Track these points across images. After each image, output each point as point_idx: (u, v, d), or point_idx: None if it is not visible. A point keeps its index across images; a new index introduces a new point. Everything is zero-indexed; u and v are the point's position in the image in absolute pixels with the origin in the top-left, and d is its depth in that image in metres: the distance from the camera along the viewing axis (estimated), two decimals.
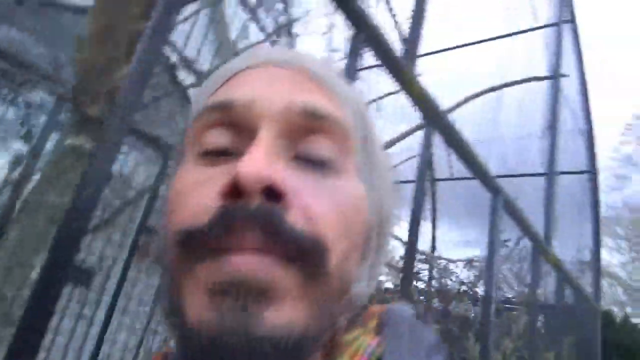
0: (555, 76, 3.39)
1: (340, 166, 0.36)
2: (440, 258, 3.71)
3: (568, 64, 3.88)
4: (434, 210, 4.66)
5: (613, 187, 20.84)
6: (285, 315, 0.30)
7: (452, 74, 2.43)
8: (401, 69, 1.46)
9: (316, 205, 0.33)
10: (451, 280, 3.73)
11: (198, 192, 0.33)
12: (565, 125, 3.74)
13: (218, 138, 0.35)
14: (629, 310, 19.13)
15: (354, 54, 1.27)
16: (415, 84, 1.51)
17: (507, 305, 3.39)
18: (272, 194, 0.31)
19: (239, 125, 0.35)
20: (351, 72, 1.23)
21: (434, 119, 1.68)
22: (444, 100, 2.48)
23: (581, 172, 4.22)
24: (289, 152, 0.35)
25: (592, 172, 4.33)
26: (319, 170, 0.35)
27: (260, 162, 0.31)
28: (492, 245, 2.12)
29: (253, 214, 0.30)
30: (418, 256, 3.42)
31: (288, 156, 0.35)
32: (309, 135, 0.35)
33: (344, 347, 0.36)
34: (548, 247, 2.88)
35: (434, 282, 3.69)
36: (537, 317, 3.18)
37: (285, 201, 0.32)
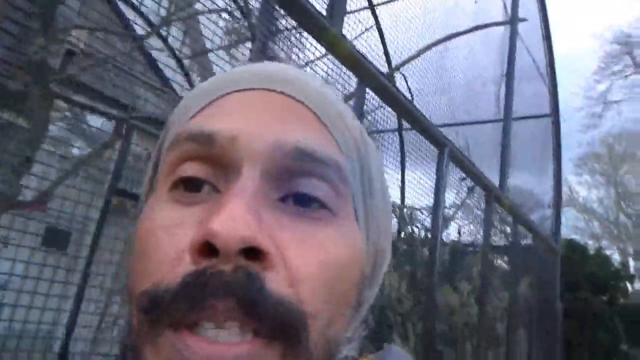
0: (512, 21, 3.35)
1: (336, 211, 0.32)
2: (405, 207, 3.76)
3: (528, 8, 3.83)
4: (402, 159, 4.68)
5: (588, 125, 21.13)
6: None
7: (402, 26, 2.39)
8: (324, 29, 1.43)
9: (301, 264, 0.29)
10: (417, 227, 3.81)
11: (164, 244, 0.30)
12: (525, 71, 3.74)
13: (195, 172, 0.31)
14: (604, 242, 19.89)
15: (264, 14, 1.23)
16: (342, 44, 1.49)
17: (469, 249, 3.50)
18: (252, 253, 0.28)
19: (220, 162, 0.31)
20: (261, 40, 1.21)
21: (367, 79, 1.67)
22: (397, 54, 2.46)
23: (542, 116, 4.27)
24: (276, 193, 0.31)
25: (552, 115, 4.38)
26: (309, 214, 0.31)
27: (240, 218, 0.27)
28: (438, 195, 2.17)
29: (229, 281, 0.27)
30: None
31: (274, 198, 0.31)
32: (301, 176, 0.31)
33: None
34: (503, 192, 2.96)
35: (402, 230, 3.77)
36: (492, 260, 3.31)
37: (268, 262, 0.28)
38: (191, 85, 2.24)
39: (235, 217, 0.27)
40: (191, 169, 0.31)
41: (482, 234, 2.88)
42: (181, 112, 0.35)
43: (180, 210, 0.31)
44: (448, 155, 2.23)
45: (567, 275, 10.98)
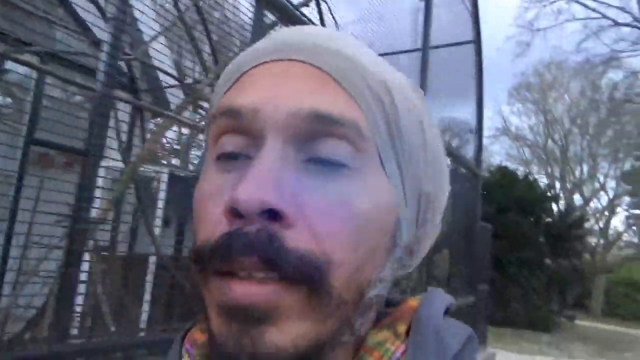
0: None
1: (357, 167, 0.35)
2: None
3: None
4: None
5: (517, 54, 21.71)
6: (289, 335, 0.32)
7: None
8: None
9: (323, 219, 0.33)
10: None
11: (210, 207, 0.35)
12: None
13: (230, 143, 0.36)
14: (534, 168, 21.12)
15: None
16: None
17: None
18: (272, 214, 0.31)
19: (248, 132, 0.35)
20: None
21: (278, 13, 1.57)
22: None
23: (464, 43, 4.30)
24: (301, 156, 0.34)
25: (474, 42, 4.42)
26: (331, 173, 0.34)
27: (257, 184, 0.31)
28: None
29: (250, 240, 0.31)
30: None
31: (300, 160, 0.34)
32: (320, 138, 0.34)
33: (371, 349, 0.37)
34: None
35: None
36: None
37: (287, 221, 0.32)
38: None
39: (255, 183, 0.31)
40: (228, 143, 0.35)
41: None
42: (219, 88, 0.40)
43: (222, 178, 0.35)
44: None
45: (498, 200, 11.68)
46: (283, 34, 0.39)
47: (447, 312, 0.40)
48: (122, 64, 2.88)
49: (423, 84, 3.16)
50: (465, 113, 4.39)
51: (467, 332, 0.39)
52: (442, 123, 3.82)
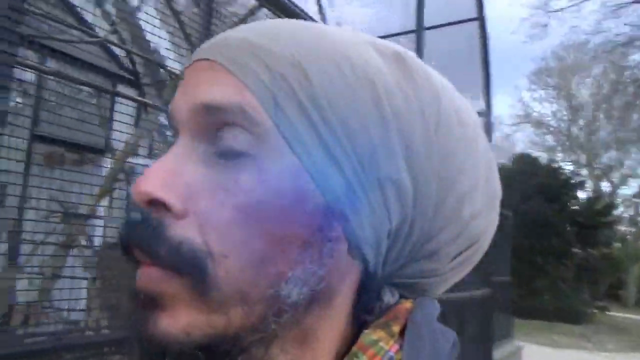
0: None
1: (253, 153, 0.34)
2: None
3: None
4: None
5: (533, 37, 21.15)
6: (179, 322, 0.33)
7: None
8: None
9: (211, 211, 0.33)
10: None
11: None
12: None
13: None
14: (559, 155, 20.54)
15: None
16: None
17: None
18: (158, 204, 0.33)
19: (176, 130, 0.37)
20: None
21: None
22: None
23: (467, 21, 4.08)
24: (211, 149, 0.35)
25: (478, 18, 4.18)
26: (231, 164, 0.34)
27: (148, 177, 0.33)
28: None
29: (134, 228, 0.34)
30: None
31: (210, 153, 0.35)
32: (221, 129, 0.35)
33: (365, 347, 0.36)
34: None
35: None
36: None
37: (174, 212, 0.33)
38: None
39: (147, 176, 0.33)
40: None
41: None
42: None
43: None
44: None
45: (520, 188, 11.33)
46: (221, 35, 0.39)
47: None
48: (125, 59, 2.78)
49: None
50: (473, 99, 4.17)
51: (454, 337, 0.39)
52: None
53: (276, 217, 0.33)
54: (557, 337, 9.74)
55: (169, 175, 0.33)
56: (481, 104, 4.27)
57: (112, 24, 2.30)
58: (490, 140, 4.21)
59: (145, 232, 0.33)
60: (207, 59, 0.36)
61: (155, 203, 0.33)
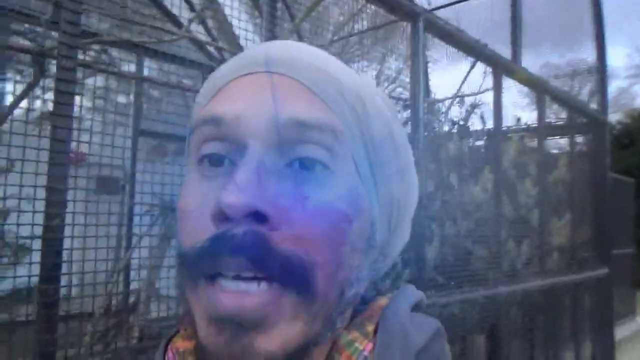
0: None
1: (334, 170, 0.37)
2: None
3: None
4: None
5: None
6: (279, 339, 0.33)
7: None
8: None
9: (304, 222, 0.34)
10: (440, 120, 3.43)
11: (194, 214, 0.36)
12: None
13: (213, 149, 0.37)
14: None
15: None
16: None
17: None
18: (258, 217, 0.33)
19: (230, 140, 0.37)
20: None
21: None
22: None
23: None
24: (281, 161, 0.36)
25: None
26: (310, 177, 0.36)
27: (242, 189, 0.33)
28: (415, 76, 1.82)
29: (238, 241, 0.33)
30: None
31: (281, 164, 0.36)
32: (299, 144, 0.36)
33: (341, 348, 0.38)
34: (514, 63, 2.52)
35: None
36: (516, 145, 2.93)
37: (272, 224, 0.33)
38: None
39: (240, 188, 0.33)
40: (210, 148, 0.38)
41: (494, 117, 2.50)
42: (198, 100, 0.42)
43: (206, 185, 0.37)
44: (423, 27, 1.85)
45: None
46: (261, 47, 0.41)
47: (418, 307, 0.43)
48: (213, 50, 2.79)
49: (515, 22, 2.63)
50: (583, 52, 3.68)
51: (434, 327, 0.40)
52: (549, 68, 3.22)
53: (348, 227, 0.37)
54: None
55: (259, 186, 0.34)
56: (591, 57, 3.77)
57: (199, 17, 2.29)
58: (604, 98, 3.74)
59: (250, 244, 0.33)
60: (278, 74, 0.38)
61: (256, 216, 0.33)
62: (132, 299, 2.32)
